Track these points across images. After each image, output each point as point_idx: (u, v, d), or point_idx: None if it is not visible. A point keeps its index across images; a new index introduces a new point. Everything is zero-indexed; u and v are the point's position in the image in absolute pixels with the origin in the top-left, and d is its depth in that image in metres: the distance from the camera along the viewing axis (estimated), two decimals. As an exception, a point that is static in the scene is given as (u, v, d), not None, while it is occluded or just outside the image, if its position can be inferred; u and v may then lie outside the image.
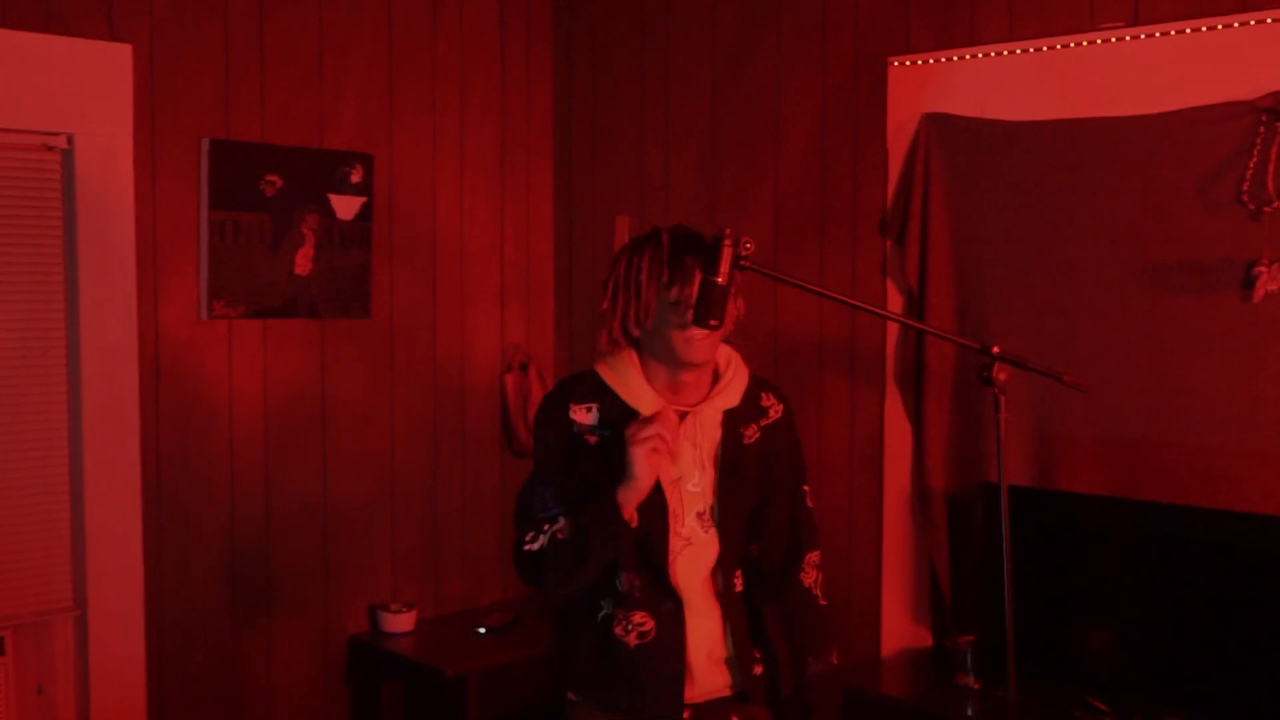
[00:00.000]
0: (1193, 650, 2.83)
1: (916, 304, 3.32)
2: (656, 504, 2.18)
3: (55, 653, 3.35)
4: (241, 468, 3.61)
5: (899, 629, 3.45)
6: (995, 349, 2.12)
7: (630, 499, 2.11)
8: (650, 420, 2.10)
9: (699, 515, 2.25)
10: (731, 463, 2.26)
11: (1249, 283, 2.78)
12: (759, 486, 2.31)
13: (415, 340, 4.00)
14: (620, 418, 2.20)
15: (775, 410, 2.36)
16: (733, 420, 2.27)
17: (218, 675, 3.58)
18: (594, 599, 2.26)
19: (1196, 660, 2.82)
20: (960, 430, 3.30)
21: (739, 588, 2.31)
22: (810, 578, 2.39)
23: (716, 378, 2.29)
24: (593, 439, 2.21)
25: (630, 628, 2.21)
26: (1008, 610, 2.13)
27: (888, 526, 3.46)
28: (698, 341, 2.16)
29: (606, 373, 2.25)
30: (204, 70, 3.48)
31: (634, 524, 2.13)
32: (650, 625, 2.22)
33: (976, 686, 3.08)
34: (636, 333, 2.22)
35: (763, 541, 2.34)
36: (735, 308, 2.22)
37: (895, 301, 3.42)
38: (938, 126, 3.29)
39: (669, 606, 2.22)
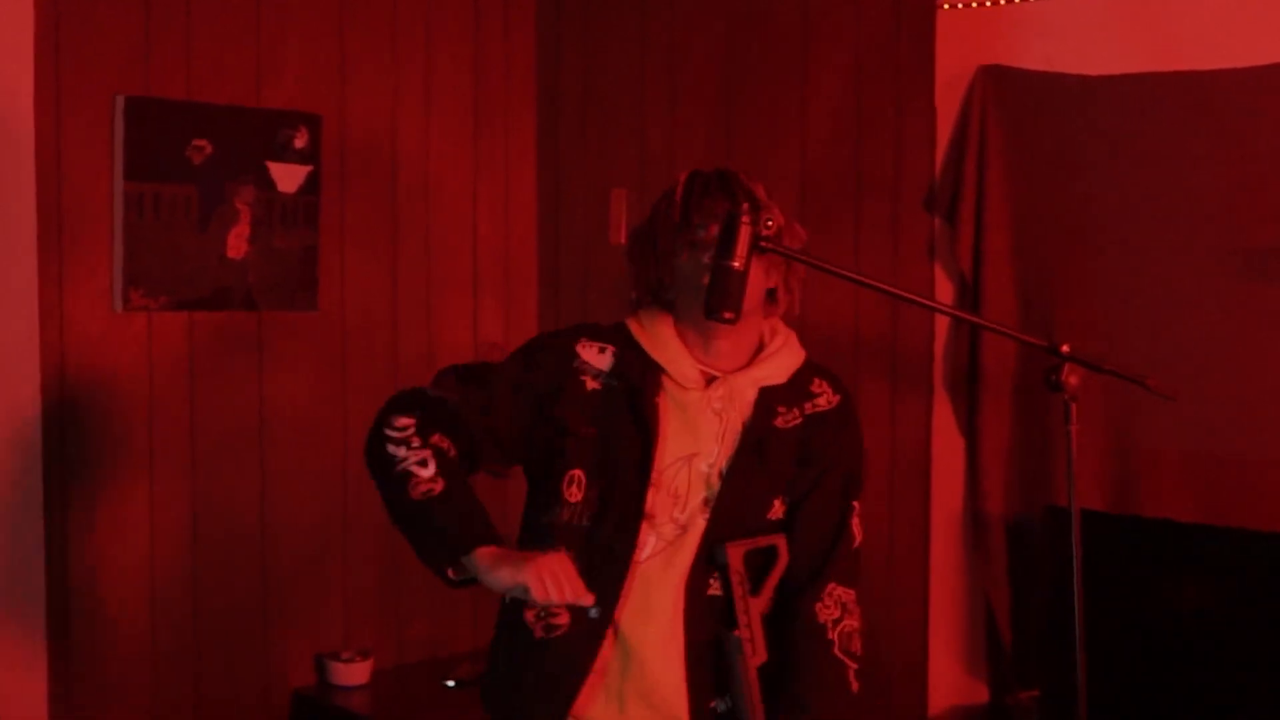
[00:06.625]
0: (1300, 707, 2.83)
1: (970, 293, 3.33)
2: (633, 492, 2.20)
3: (-59, 711, 3.36)
4: (163, 490, 3.61)
5: (949, 682, 3.45)
6: (1065, 347, 2.12)
7: (468, 568, 2.13)
8: (563, 563, 2.09)
9: (705, 501, 2.23)
10: (754, 442, 2.26)
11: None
12: (783, 481, 2.29)
13: (372, 337, 4.00)
14: (640, 373, 2.25)
15: (827, 400, 2.37)
16: (769, 398, 2.29)
17: (135, 737, 3.58)
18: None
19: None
20: (1023, 444, 3.30)
21: (712, 590, 2.24)
22: (830, 614, 2.29)
23: (760, 349, 2.32)
24: (592, 383, 2.26)
25: (541, 615, 2.23)
26: (1079, 659, 2.12)
27: (935, 558, 3.47)
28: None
29: (636, 327, 2.31)
30: (119, 14, 3.48)
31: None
32: (564, 621, 2.21)
33: (1042, 750, 3.09)
34: (669, 295, 2.29)
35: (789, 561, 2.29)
36: (796, 285, 2.33)
37: (945, 290, 3.43)
38: (996, 82, 3.30)
39: (593, 614, 2.19)
